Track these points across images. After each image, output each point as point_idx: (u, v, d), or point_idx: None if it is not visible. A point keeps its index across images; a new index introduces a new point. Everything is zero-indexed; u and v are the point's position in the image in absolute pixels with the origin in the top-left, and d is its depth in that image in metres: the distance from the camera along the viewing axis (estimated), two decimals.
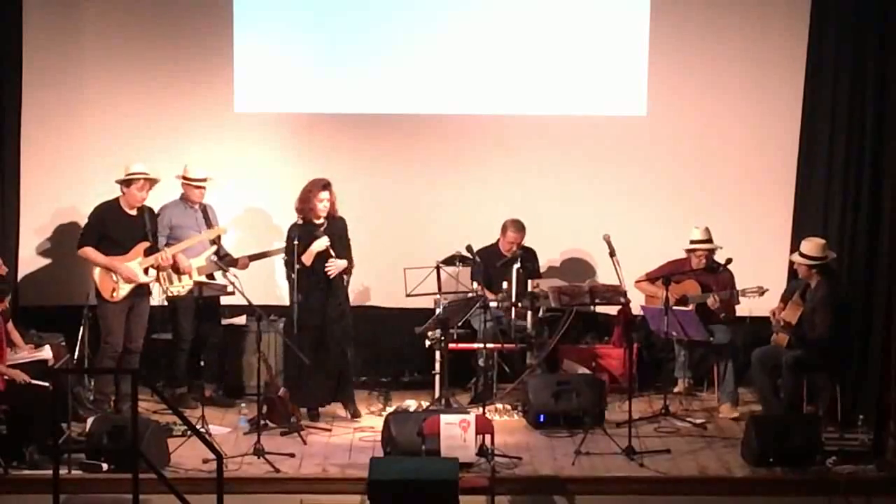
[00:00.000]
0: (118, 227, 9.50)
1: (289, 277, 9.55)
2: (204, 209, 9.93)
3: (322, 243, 9.40)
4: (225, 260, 9.83)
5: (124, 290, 9.46)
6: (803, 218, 10.34)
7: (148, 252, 9.54)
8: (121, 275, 9.42)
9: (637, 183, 10.62)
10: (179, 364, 9.90)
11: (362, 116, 10.65)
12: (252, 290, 9.19)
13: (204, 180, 9.86)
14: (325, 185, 9.48)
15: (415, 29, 10.62)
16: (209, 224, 9.90)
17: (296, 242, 9.39)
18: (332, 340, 9.48)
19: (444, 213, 10.58)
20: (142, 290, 9.58)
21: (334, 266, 9.43)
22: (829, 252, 9.31)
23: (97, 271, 9.48)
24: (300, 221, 9.54)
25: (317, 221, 9.51)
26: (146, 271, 9.54)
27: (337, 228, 9.57)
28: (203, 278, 9.72)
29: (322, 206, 9.46)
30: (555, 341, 9.95)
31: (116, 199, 9.55)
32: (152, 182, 9.54)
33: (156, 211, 9.81)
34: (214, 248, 9.86)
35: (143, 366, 9.70)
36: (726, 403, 9.69)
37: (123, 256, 9.47)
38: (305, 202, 9.50)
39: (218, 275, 9.69)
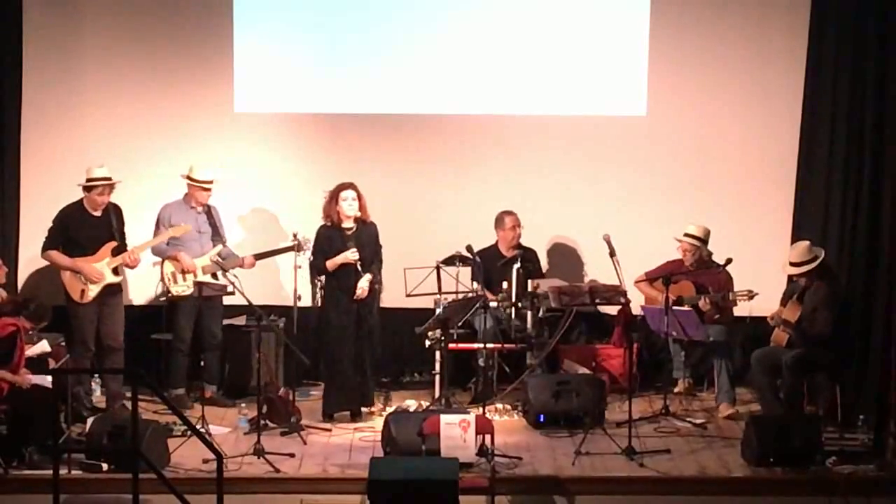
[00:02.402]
0: (82, 229, 9.45)
1: (313, 280, 9.62)
2: (209, 211, 9.88)
3: (351, 256, 9.32)
4: (230, 259, 9.80)
5: (93, 291, 9.40)
6: (803, 218, 10.35)
7: (115, 252, 9.49)
8: (86, 276, 9.35)
9: (637, 183, 10.62)
10: (176, 365, 9.84)
11: (362, 116, 10.64)
12: (252, 290, 9.19)
13: (210, 182, 9.78)
14: (348, 185, 9.41)
15: (415, 29, 10.62)
16: (214, 226, 9.86)
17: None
18: (364, 346, 9.47)
19: (444, 213, 10.57)
20: (113, 289, 9.51)
21: (361, 290, 9.35)
22: (817, 250, 9.27)
23: (65, 274, 9.43)
24: (328, 224, 9.46)
25: (345, 225, 9.44)
26: (115, 271, 9.51)
27: (367, 234, 9.47)
28: (208, 278, 9.71)
29: (346, 206, 9.37)
30: (555, 341, 9.95)
31: (80, 201, 9.50)
32: (112, 186, 9.46)
33: (157, 210, 9.80)
34: (219, 247, 9.83)
35: (140, 366, 9.69)
36: (723, 403, 9.68)
37: (90, 258, 9.42)
38: (329, 203, 9.43)
39: (219, 274, 9.68)
